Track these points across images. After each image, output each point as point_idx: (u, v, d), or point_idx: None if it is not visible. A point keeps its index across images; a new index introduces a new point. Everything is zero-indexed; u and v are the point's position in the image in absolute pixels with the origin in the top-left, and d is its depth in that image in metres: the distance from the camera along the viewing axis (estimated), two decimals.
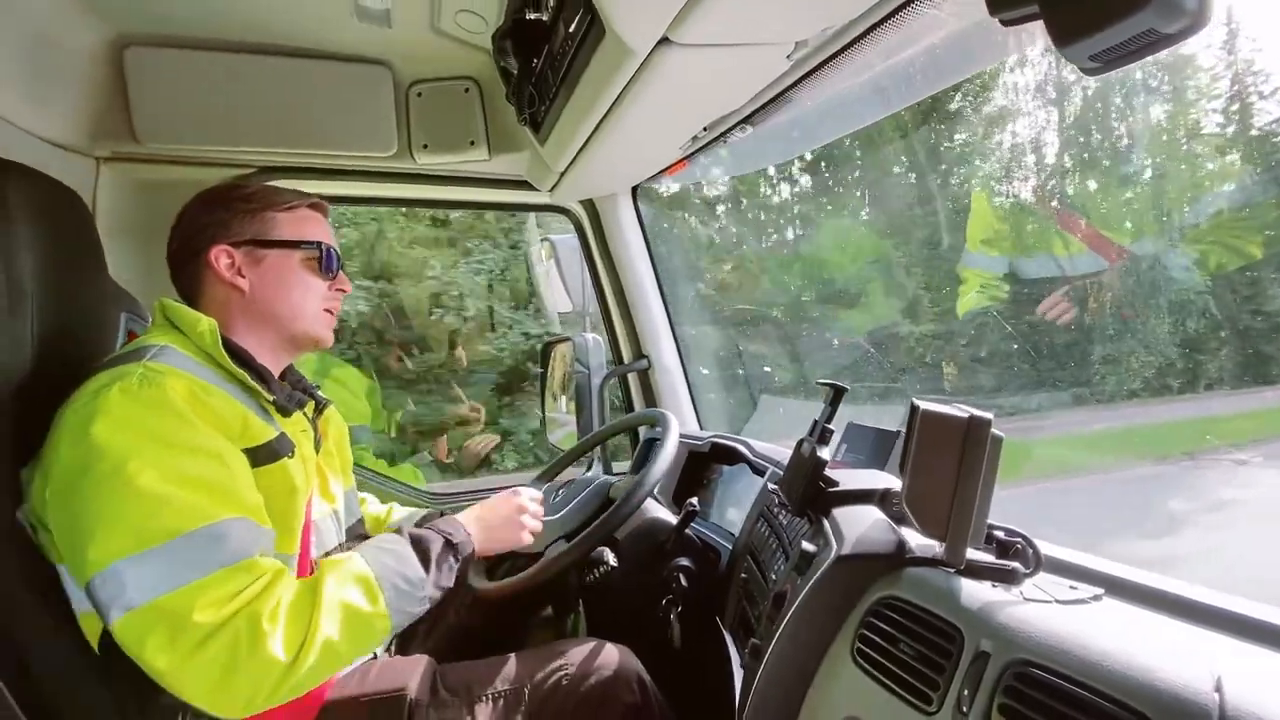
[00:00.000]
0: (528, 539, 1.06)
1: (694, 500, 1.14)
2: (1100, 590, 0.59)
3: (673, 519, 1.19)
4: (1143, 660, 0.45)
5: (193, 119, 1.29)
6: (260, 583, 0.75)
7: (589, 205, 1.70)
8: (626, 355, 1.83)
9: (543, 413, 2.06)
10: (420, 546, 0.89)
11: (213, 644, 0.70)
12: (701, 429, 1.82)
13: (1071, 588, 0.59)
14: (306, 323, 0.97)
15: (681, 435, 1.64)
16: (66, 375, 0.83)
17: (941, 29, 1.02)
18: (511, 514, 1.05)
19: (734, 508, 1.40)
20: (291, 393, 0.96)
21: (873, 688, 0.60)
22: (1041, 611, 0.54)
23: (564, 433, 1.94)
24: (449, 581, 0.91)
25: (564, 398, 1.97)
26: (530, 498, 1.10)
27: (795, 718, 0.69)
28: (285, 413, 0.92)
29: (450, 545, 0.92)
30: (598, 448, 1.75)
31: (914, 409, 0.60)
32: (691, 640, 1.14)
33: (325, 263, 0.97)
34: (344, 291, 1.02)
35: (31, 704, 0.75)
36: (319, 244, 0.97)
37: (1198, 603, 0.54)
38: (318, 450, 1.00)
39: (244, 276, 0.93)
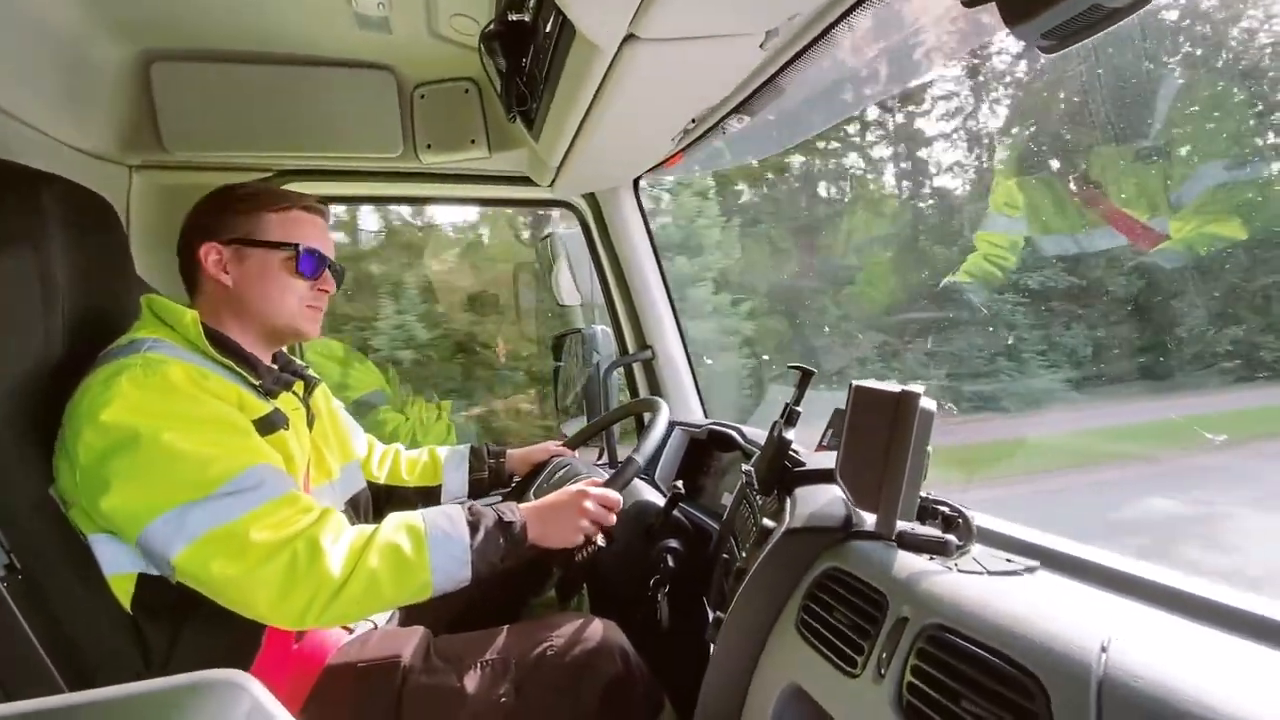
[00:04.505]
0: (579, 540, 1.02)
1: (679, 484, 1.17)
2: (1035, 563, 0.60)
3: (661, 502, 1.22)
4: (1044, 625, 0.46)
5: (215, 128, 1.38)
6: (312, 514, 0.86)
7: (591, 199, 1.73)
8: (631, 346, 1.86)
9: (556, 402, 2.12)
10: (472, 516, 0.95)
11: (275, 560, 0.81)
12: (706, 417, 1.84)
13: (1007, 560, 0.60)
14: (286, 318, 1.03)
15: (681, 423, 1.68)
16: (93, 363, 0.91)
17: (919, 11, 1.02)
18: (571, 512, 1.02)
19: (729, 492, 1.42)
20: (279, 375, 1.03)
21: (812, 655, 0.63)
22: (965, 581, 0.56)
23: (576, 421, 2.00)
24: (495, 557, 0.94)
25: (576, 387, 2.02)
26: (602, 498, 1.04)
27: (748, 687, 0.72)
28: (272, 394, 0.99)
29: (502, 524, 0.96)
30: (604, 437, 1.81)
31: (850, 386, 0.62)
32: (679, 618, 1.17)
33: (302, 264, 1.02)
34: (326, 291, 1.08)
35: (62, 658, 0.83)
36: (297, 246, 1.02)
37: (1123, 573, 0.54)
38: (311, 427, 1.08)
39: (228, 273, 1.00)
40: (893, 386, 0.61)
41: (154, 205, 1.42)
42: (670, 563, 1.16)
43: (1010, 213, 2.33)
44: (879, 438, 0.59)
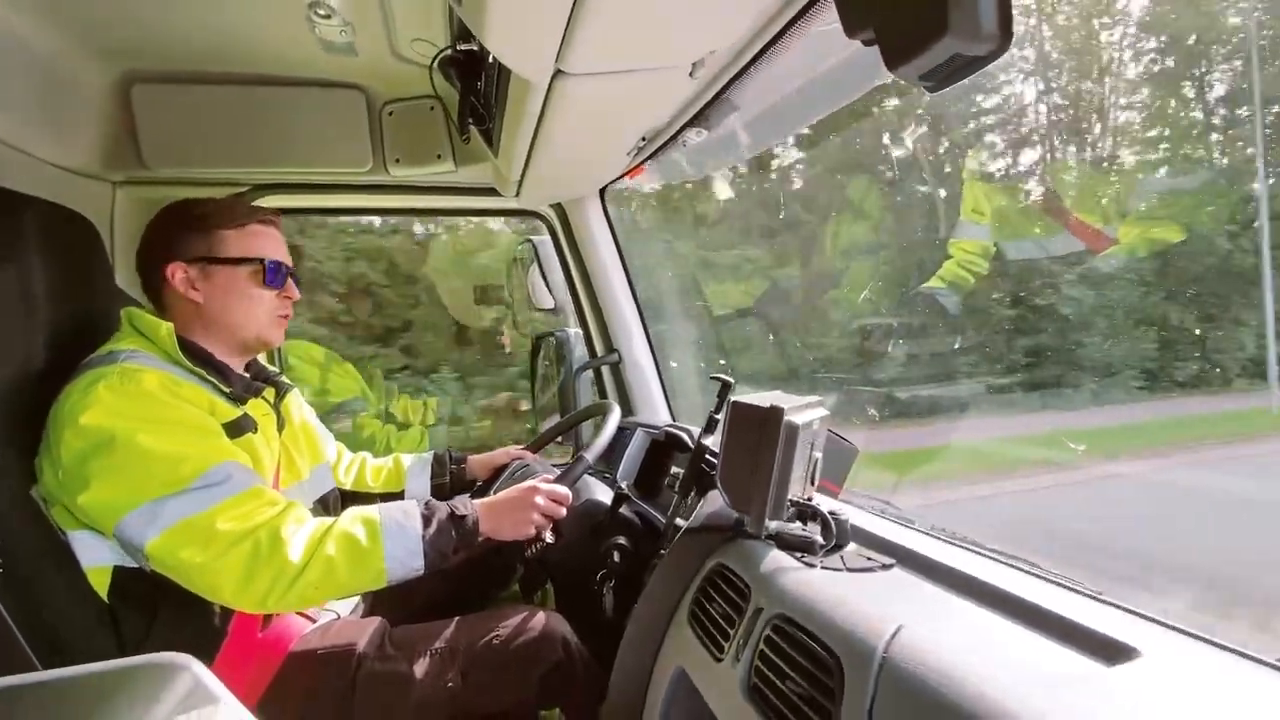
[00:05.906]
0: (531, 532, 1.07)
1: (623, 484, 1.24)
2: (892, 561, 0.66)
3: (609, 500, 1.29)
4: (856, 614, 0.53)
5: (194, 145, 1.45)
6: (276, 507, 0.93)
7: (558, 208, 1.80)
8: (600, 350, 1.93)
9: (533, 403, 2.20)
10: (427, 510, 1.02)
11: (239, 548, 0.88)
12: (674, 420, 1.91)
13: (869, 559, 0.67)
14: (256, 329, 1.09)
15: (642, 424, 1.75)
16: (75, 371, 0.99)
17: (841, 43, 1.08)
18: (524, 505, 1.07)
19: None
20: (250, 382, 1.10)
21: (695, 642, 0.70)
22: (819, 576, 0.62)
23: (553, 419, 2.08)
24: (447, 548, 0.98)
25: (551, 389, 2.10)
26: (552, 493, 1.09)
27: (650, 674, 0.79)
28: (242, 400, 1.07)
29: (454, 517, 1.02)
30: (574, 438, 1.89)
31: (728, 402, 0.69)
32: (625, 610, 1.24)
33: (269, 277, 1.08)
34: (291, 299, 1.13)
35: (42, 645, 0.92)
36: (262, 260, 1.08)
37: (954, 568, 0.61)
38: (281, 431, 1.15)
39: (198, 290, 1.06)
40: (764, 400, 0.67)
41: (137, 219, 1.49)
42: (616, 558, 1.23)
43: (979, 219, 2.39)
44: (750, 448, 0.66)
